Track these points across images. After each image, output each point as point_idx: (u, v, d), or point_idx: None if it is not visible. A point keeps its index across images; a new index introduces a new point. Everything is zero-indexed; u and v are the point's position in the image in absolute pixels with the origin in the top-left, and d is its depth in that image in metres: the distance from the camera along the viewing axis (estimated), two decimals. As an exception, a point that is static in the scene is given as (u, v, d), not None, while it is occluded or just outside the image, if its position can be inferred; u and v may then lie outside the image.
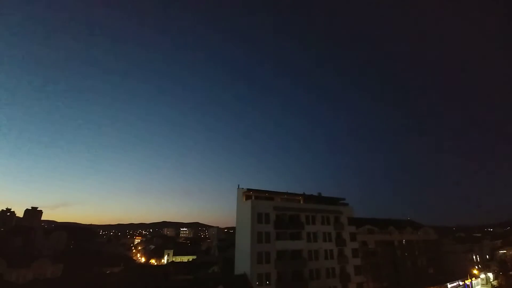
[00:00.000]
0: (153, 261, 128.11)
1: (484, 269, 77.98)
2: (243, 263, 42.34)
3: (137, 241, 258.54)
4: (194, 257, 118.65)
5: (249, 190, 47.80)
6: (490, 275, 76.83)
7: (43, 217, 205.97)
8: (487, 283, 73.67)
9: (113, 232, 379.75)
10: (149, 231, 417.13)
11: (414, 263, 67.71)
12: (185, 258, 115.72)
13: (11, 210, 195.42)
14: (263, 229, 43.19)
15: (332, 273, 47.73)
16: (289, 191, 52.04)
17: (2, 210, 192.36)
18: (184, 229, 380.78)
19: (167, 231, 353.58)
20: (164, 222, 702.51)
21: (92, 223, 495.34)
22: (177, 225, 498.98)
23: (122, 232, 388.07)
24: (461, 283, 64.56)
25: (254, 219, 42.94)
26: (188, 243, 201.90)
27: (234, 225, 50.63)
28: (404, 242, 67.66)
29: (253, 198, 45.98)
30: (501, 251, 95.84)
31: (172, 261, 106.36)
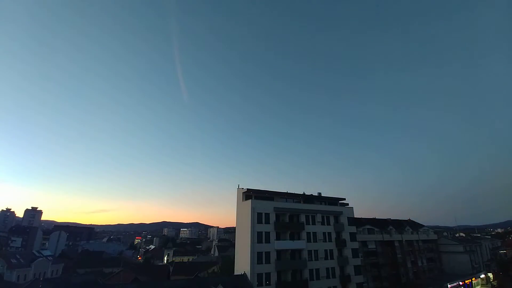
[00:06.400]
0: (153, 261, 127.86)
1: (484, 269, 77.98)
2: (243, 263, 42.31)
3: (137, 241, 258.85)
4: (194, 257, 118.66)
5: (249, 190, 47.71)
6: (490, 275, 76.80)
7: (43, 217, 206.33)
8: (487, 283, 73.64)
9: (113, 232, 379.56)
10: (149, 231, 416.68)
11: (414, 263, 67.75)
12: (185, 258, 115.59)
13: (11, 210, 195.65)
14: (263, 229, 43.10)
15: (332, 273, 47.62)
16: (289, 191, 51.97)
17: (2, 210, 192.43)
18: (184, 229, 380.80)
19: (167, 231, 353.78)
20: (164, 222, 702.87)
21: (92, 223, 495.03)
22: (177, 225, 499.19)
23: (122, 232, 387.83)
24: (461, 283, 64.52)
25: (254, 219, 42.86)
26: (188, 243, 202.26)
27: (234, 225, 50.56)
28: (404, 242, 67.69)
29: (253, 198, 45.85)
30: (501, 251, 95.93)
31: (172, 261, 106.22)
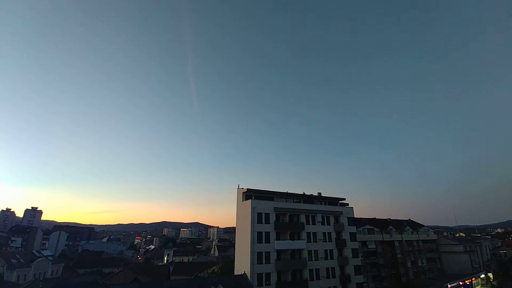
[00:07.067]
0: (153, 261, 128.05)
1: (484, 269, 78.01)
2: (243, 263, 42.30)
3: (137, 241, 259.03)
4: (194, 257, 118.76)
5: (249, 190, 47.71)
6: (490, 275, 76.82)
7: (43, 217, 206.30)
8: (487, 283, 73.66)
9: (113, 232, 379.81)
10: (149, 231, 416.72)
11: (414, 263, 67.77)
12: (185, 258, 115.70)
13: (11, 210, 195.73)
14: (263, 229, 43.09)
15: (332, 273, 47.63)
16: (289, 191, 52.00)
17: (2, 210, 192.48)
18: (184, 229, 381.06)
19: (167, 231, 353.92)
20: (164, 222, 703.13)
21: (92, 223, 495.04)
22: (177, 225, 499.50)
23: (122, 232, 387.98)
24: (461, 283, 64.54)
25: (254, 219, 42.85)
26: (188, 243, 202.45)
27: (234, 225, 50.57)
28: (404, 242, 67.71)
29: (253, 198, 45.83)
30: (501, 251, 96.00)
31: (172, 261, 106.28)
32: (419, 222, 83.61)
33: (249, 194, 47.87)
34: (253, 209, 43.31)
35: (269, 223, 44.18)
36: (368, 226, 63.71)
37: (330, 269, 47.53)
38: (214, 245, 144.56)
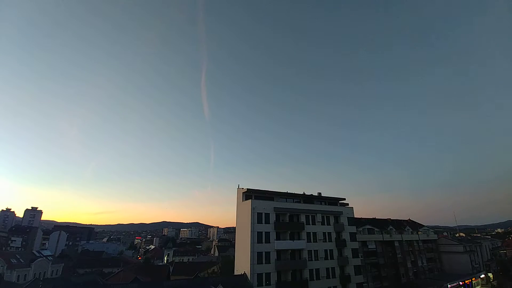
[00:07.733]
0: (153, 261, 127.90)
1: (484, 269, 77.99)
2: (243, 263, 42.28)
3: (137, 241, 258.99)
4: (194, 257, 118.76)
5: (249, 190, 47.68)
6: (490, 275, 76.80)
7: (43, 217, 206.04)
8: (487, 283, 73.66)
9: (113, 232, 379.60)
10: (149, 231, 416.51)
11: (414, 263, 67.76)
12: (185, 258, 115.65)
13: (11, 210, 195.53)
14: (263, 229, 43.08)
15: (332, 273, 47.60)
16: (289, 191, 51.98)
17: (2, 210, 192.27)
18: (184, 229, 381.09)
19: (167, 231, 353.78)
20: (164, 222, 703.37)
21: (92, 223, 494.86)
22: (177, 225, 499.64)
23: (122, 232, 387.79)
24: (461, 283, 64.53)
25: (254, 219, 42.83)
26: (188, 243, 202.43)
27: (234, 225, 50.56)
28: (404, 242, 67.70)
29: (253, 198, 45.80)
30: (501, 251, 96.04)
31: (172, 261, 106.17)
32: (419, 222, 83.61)
33: (249, 194, 47.85)
34: (253, 209, 43.28)
35: (269, 223, 44.14)
36: (368, 226, 63.72)
37: (330, 269, 47.49)
38: (214, 245, 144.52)
